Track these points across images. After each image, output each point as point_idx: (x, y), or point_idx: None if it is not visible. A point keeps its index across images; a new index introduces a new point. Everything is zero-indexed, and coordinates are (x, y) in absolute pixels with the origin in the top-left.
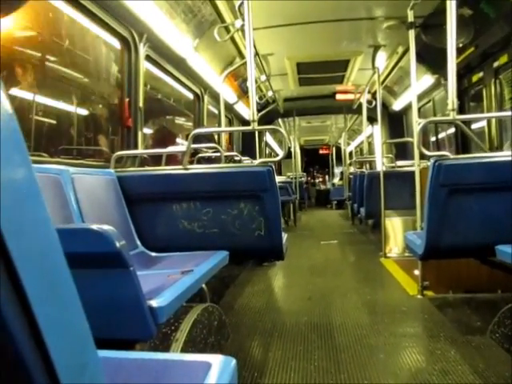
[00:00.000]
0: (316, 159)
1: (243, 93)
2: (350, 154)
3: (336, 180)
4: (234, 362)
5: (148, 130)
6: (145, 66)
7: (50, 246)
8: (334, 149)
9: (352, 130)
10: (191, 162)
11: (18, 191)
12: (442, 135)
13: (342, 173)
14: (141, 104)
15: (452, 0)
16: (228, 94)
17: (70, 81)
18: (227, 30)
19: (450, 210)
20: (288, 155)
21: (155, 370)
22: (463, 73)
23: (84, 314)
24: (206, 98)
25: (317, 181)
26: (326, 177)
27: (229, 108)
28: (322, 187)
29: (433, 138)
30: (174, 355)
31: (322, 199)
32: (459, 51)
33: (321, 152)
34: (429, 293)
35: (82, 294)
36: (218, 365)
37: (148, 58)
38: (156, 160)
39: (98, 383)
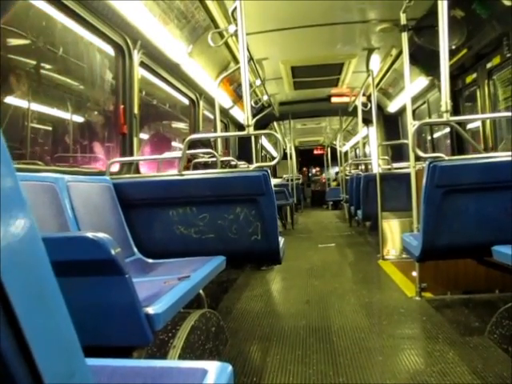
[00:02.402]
0: (311, 159)
1: (238, 97)
2: (346, 153)
3: (332, 172)
4: (230, 368)
5: (144, 136)
6: (139, 72)
7: (35, 255)
8: (328, 149)
9: (347, 131)
10: (187, 168)
11: (3, 202)
12: (438, 135)
13: (337, 173)
14: (136, 110)
15: (444, 1)
16: (223, 98)
17: (65, 88)
18: (221, 35)
19: (445, 210)
20: (283, 156)
21: (151, 378)
22: (457, 74)
23: (71, 323)
24: (202, 103)
25: (314, 171)
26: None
27: (224, 113)
28: (319, 188)
29: (428, 137)
30: (170, 362)
31: (317, 199)
32: (452, 53)
33: (315, 152)
34: (427, 294)
35: (78, 302)
36: (214, 371)
37: (142, 64)
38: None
39: None
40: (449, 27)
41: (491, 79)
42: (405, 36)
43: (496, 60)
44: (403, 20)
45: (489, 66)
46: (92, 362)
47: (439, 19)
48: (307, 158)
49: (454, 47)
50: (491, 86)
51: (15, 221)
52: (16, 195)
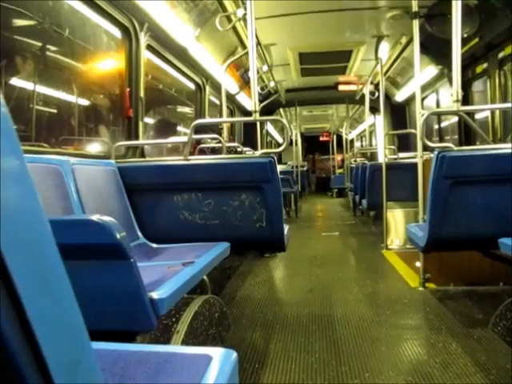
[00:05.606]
0: (316, 146)
1: (245, 83)
2: (352, 141)
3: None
4: (234, 354)
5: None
6: (146, 55)
7: (41, 237)
8: (334, 136)
9: (353, 119)
10: (192, 153)
11: (7, 180)
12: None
13: (342, 160)
14: (142, 94)
15: None
16: (229, 84)
17: (70, 70)
18: (229, 19)
19: (452, 201)
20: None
21: (155, 363)
22: (467, 64)
23: (78, 308)
24: (208, 89)
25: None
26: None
27: (230, 98)
28: (323, 174)
29: (435, 127)
30: (175, 348)
31: (321, 186)
32: (463, 42)
33: (321, 139)
34: (430, 285)
35: (82, 286)
36: (218, 358)
37: (149, 47)
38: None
39: (92, 377)
40: (461, 15)
41: (502, 69)
42: (416, 23)
43: (508, 50)
44: (414, 7)
45: (500, 55)
46: (96, 346)
47: (453, 7)
48: (313, 144)
49: (465, 36)
50: (502, 76)
51: (21, 201)
52: (21, 173)
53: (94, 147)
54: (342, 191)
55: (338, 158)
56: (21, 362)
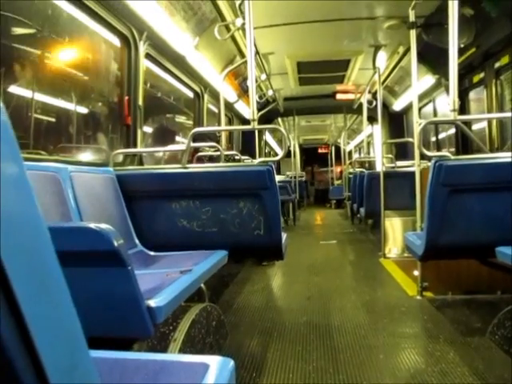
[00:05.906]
0: (315, 158)
1: (243, 92)
2: (350, 153)
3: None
4: (231, 363)
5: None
6: (145, 64)
7: (40, 242)
8: (333, 148)
9: (351, 130)
10: (191, 161)
11: (6, 185)
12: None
13: (341, 172)
14: (140, 102)
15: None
16: (228, 92)
17: (70, 78)
18: (227, 28)
19: (450, 210)
20: (287, 154)
21: (152, 371)
22: (464, 73)
23: (76, 314)
24: (206, 97)
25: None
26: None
27: (229, 107)
28: (322, 187)
29: (433, 138)
30: (172, 356)
31: (320, 198)
32: (460, 51)
33: (320, 151)
34: (428, 294)
35: (79, 293)
36: (215, 366)
37: (148, 55)
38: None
39: (89, 382)
40: (458, 25)
41: (499, 79)
42: (413, 33)
43: (504, 59)
44: (412, 17)
45: (497, 65)
46: (93, 353)
47: (449, 17)
48: (312, 156)
49: (462, 46)
50: (498, 86)
51: (20, 206)
52: (20, 179)
53: (93, 155)
54: (340, 202)
55: (337, 169)
56: (19, 366)
